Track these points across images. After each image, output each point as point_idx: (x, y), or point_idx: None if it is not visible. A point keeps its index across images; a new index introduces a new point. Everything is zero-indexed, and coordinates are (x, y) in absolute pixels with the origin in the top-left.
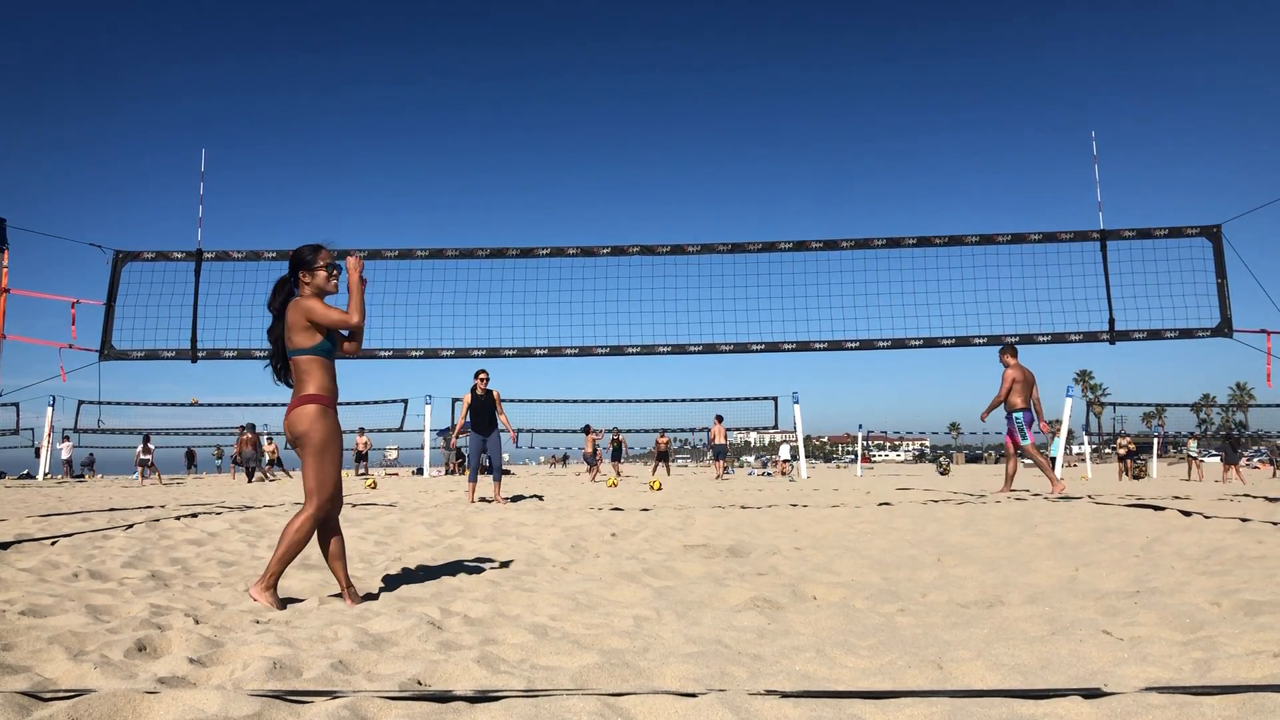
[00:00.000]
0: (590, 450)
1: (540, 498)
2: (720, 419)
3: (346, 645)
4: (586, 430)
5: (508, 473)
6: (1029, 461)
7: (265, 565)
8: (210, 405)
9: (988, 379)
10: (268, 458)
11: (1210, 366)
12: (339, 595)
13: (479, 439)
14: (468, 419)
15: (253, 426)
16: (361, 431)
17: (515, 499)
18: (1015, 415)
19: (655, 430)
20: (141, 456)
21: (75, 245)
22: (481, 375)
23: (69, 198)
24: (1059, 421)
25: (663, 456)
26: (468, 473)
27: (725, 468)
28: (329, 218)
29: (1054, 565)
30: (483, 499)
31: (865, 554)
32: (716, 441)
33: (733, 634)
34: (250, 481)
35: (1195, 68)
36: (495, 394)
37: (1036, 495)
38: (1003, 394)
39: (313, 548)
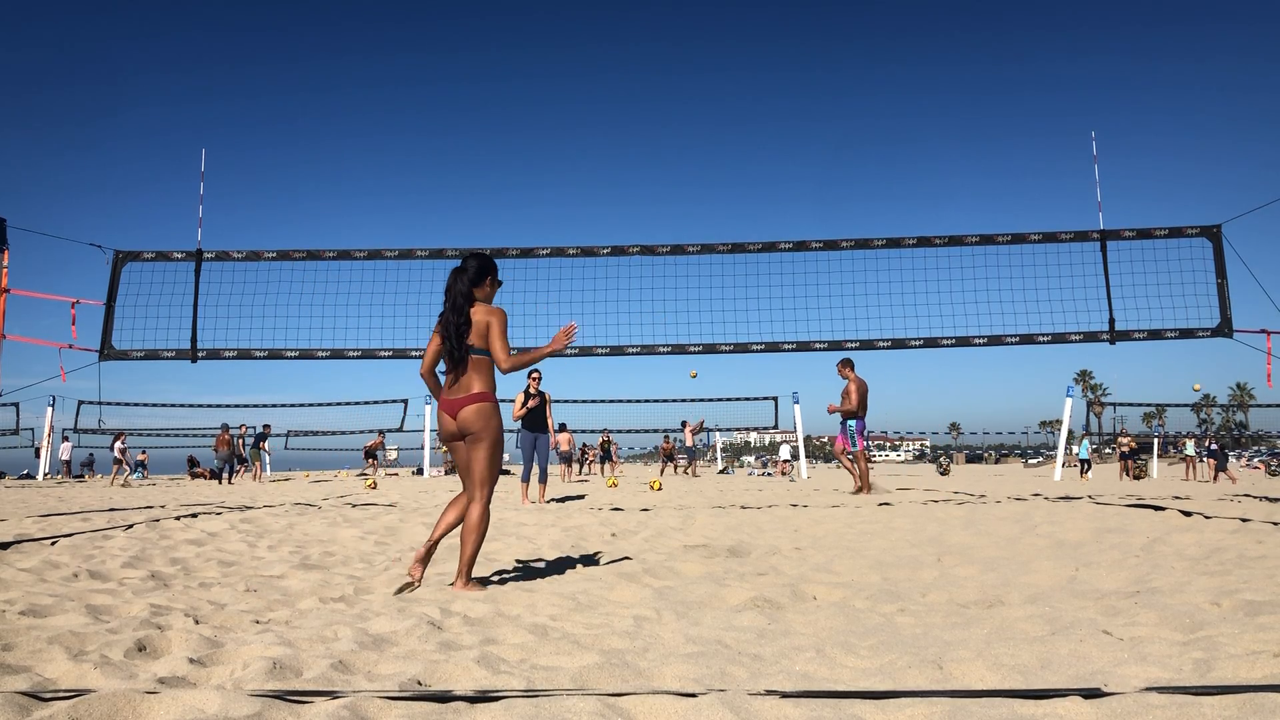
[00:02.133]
0: (566, 449)
1: (582, 496)
2: (685, 423)
3: (346, 645)
4: (562, 429)
5: (507, 471)
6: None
7: (266, 565)
8: (210, 406)
9: (988, 379)
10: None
11: (1210, 366)
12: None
13: (530, 437)
14: (522, 417)
15: (226, 426)
16: (380, 435)
17: (565, 500)
18: (850, 423)
19: (654, 430)
20: (115, 455)
21: (75, 245)
22: (535, 374)
23: (69, 198)
24: (1058, 421)
25: (669, 458)
26: (520, 471)
27: (693, 468)
28: (329, 218)
29: (1054, 565)
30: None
31: (865, 554)
32: (687, 444)
33: (733, 634)
34: (222, 483)
35: (1195, 67)
36: (546, 394)
37: (1036, 495)
38: (854, 403)
39: (313, 546)
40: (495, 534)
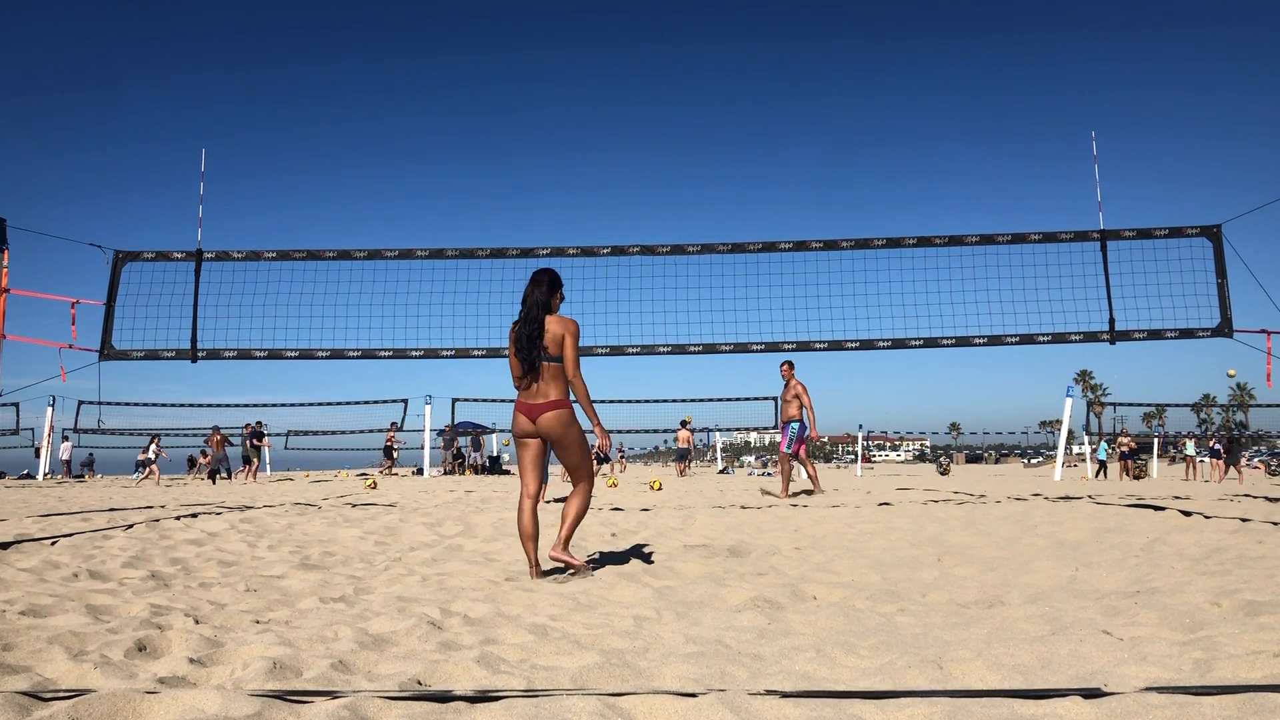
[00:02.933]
0: None
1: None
2: (685, 424)
3: (346, 645)
4: None
5: (508, 472)
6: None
7: (266, 565)
8: (210, 406)
9: (988, 379)
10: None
11: (1210, 366)
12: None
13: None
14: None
15: (218, 428)
16: (393, 426)
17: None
18: (792, 425)
19: (653, 430)
20: (150, 455)
21: (75, 245)
22: None
23: (69, 198)
24: (1058, 421)
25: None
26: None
27: (687, 468)
28: (329, 218)
29: (1054, 565)
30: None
31: (865, 554)
32: (681, 445)
33: (733, 634)
34: (215, 483)
35: (1195, 67)
36: None
37: (1037, 495)
38: (809, 404)
39: (313, 546)
40: (495, 534)
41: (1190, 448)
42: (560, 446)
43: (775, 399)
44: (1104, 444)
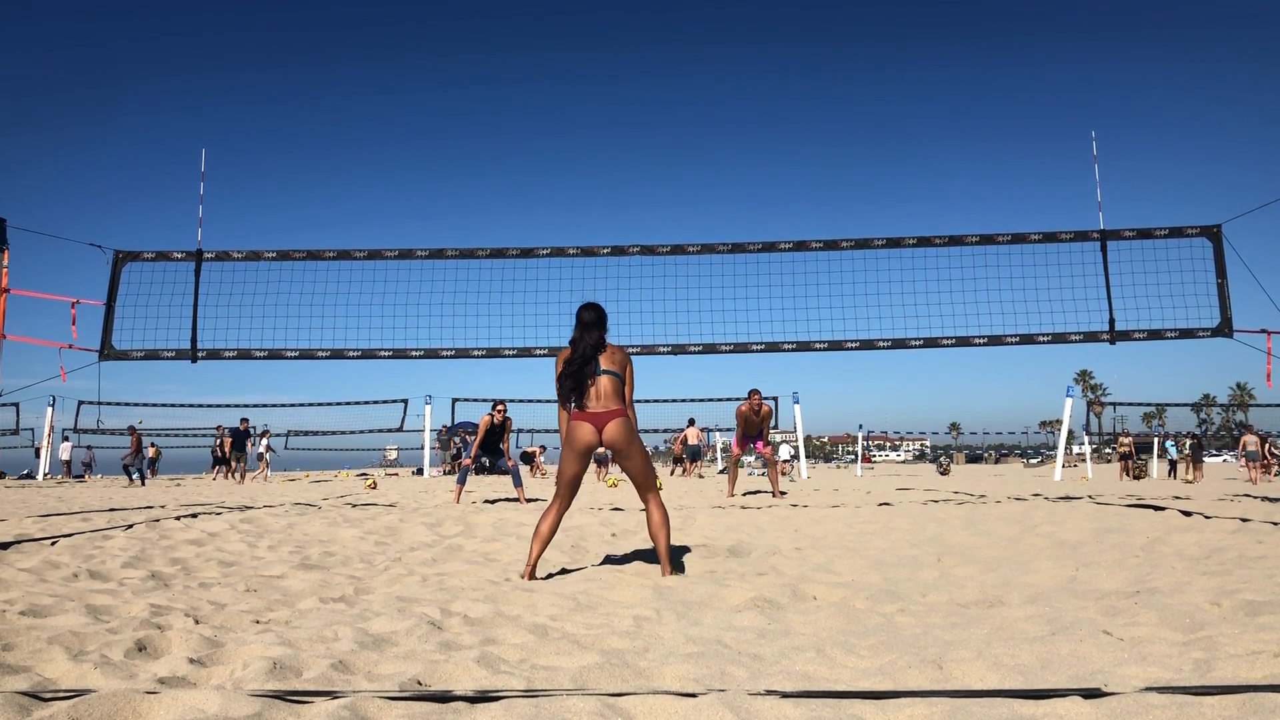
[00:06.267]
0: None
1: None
2: (693, 421)
3: (346, 645)
4: None
5: (506, 473)
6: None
7: (266, 565)
8: (210, 406)
9: (988, 379)
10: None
11: (1210, 366)
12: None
13: (483, 456)
14: (480, 441)
15: (133, 428)
16: (541, 449)
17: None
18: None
19: (651, 430)
20: (261, 450)
21: (75, 245)
22: (500, 407)
23: (69, 198)
24: (1058, 421)
25: (679, 460)
26: (458, 477)
27: (699, 470)
28: (330, 218)
29: (1054, 565)
30: (488, 500)
31: (865, 554)
32: (690, 443)
33: (733, 634)
34: (131, 484)
35: (1195, 67)
36: (509, 421)
37: (1037, 495)
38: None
39: (313, 546)
40: (495, 534)
41: (1189, 447)
42: (625, 456)
43: (774, 399)
44: (1169, 443)
